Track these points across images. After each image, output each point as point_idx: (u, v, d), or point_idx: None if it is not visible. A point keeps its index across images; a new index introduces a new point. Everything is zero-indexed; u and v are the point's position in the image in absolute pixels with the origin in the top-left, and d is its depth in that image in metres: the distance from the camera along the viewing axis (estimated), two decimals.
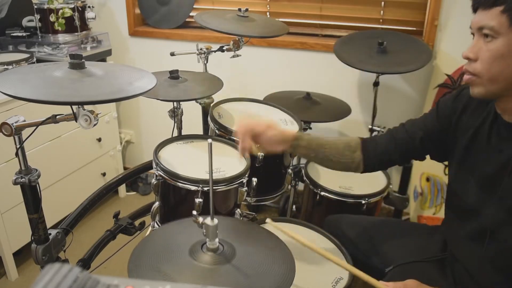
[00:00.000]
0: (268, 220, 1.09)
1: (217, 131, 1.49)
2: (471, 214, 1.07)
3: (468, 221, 1.08)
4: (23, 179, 1.13)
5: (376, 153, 1.18)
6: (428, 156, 1.21)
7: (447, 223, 1.22)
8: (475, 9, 0.94)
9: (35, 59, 2.01)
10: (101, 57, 2.32)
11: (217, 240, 0.89)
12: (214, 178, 1.04)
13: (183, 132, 1.67)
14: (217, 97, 1.65)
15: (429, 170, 2.07)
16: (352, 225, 1.40)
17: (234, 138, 1.36)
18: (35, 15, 2.14)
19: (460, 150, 1.09)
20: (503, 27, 0.87)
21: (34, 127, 1.08)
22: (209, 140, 0.79)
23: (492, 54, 0.90)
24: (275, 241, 1.00)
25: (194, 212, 0.91)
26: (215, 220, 0.87)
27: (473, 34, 0.95)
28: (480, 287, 1.04)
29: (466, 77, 0.97)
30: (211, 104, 1.63)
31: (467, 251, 1.09)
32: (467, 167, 1.08)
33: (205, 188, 1.21)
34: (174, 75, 1.53)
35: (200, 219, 0.89)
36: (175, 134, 1.64)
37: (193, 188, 1.22)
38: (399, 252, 1.27)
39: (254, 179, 1.36)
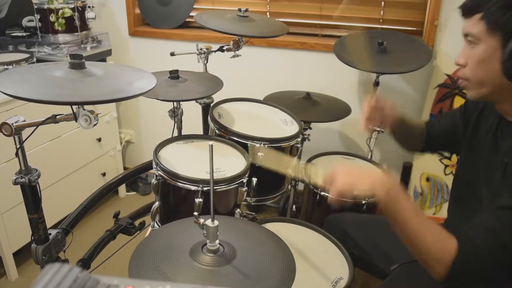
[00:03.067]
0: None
1: (217, 131, 1.48)
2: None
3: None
4: (23, 179, 1.12)
5: (435, 139, 1.32)
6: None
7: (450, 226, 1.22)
8: (463, 16, 0.98)
9: (35, 59, 2.01)
10: (101, 57, 2.32)
11: (217, 241, 0.89)
12: (214, 178, 1.04)
13: (183, 132, 1.67)
14: (217, 97, 1.65)
15: (429, 170, 2.07)
16: (353, 224, 1.40)
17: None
18: (35, 15, 2.14)
19: (476, 146, 1.11)
20: (482, 33, 0.91)
21: (34, 127, 1.08)
22: (210, 143, 0.79)
23: (476, 59, 0.94)
24: (275, 242, 1.00)
25: (195, 213, 0.92)
26: (216, 222, 0.87)
27: None
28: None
29: (459, 82, 1.02)
30: (211, 104, 1.63)
31: None
32: (473, 165, 1.11)
33: (205, 188, 1.21)
34: (174, 75, 1.53)
35: (201, 220, 0.89)
36: (175, 134, 1.64)
37: (193, 188, 1.22)
38: (401, 250, 1.27)
39: (254, 179, 1.36)
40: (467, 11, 0.95)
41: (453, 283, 0.90)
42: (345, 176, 0.94)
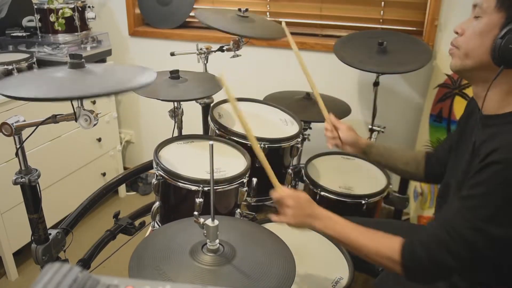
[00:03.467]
0: None
1: (217, 131, 1.49)
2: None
3: None
4: (23, 179, 1.12)
5: (433, 167, 1.31)
6: None
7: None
8: None
9: (35, 59, 2.01)
10: (101, 57, 2.32)
11: (217, 241, 0.89)
12: (214, 178, 1.04)
13: (183, 132, 1.67)
14: (217, 97, 1.65)
15: None
16: None
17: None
18: (35, 15, 2.14)
19: (459, 147, 1.12)
20: (489, 8, 0.93)
21: (34, 127, 1.08)
22: (211, 142, 0.79)
23: (473, 30, 0.96)
24: (275, 242, 1.00)
25: (196, 213, 0.92)
26: (216, 221, 0.87)
27: None
28: (473, 285, 1.05)
29: (450, 48, 1.05)
30: (211, 104, 1.63)
31: None
32: (453, 164, 1.12)
33: (206, 188, 1.21)
34: (174, 75, 1.53)
35: (201, 219, 0.89)
36: (175, 134, 1.64)
37: (193, 188, 1.22)
38: None
39: (254, 179, 1.36)
40: None
41: (414, 276, 0.97)
42: (293, 217, 1.07)
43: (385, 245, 0.98)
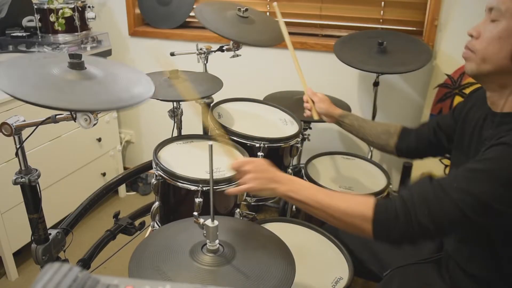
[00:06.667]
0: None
1: (217, 130, 1.48)
2: None
3: None
4: (23, 179, 1.12)
5: (407, 142, 1.34)
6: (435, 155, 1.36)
7: None
8: None
9: None
10: (101, 57, 2.32)
11: (217, 241, 0.89)
12: (214, 178, 1.04)
13: (183, 132, 1.67)
14: (217, 97, 1.65)
15: (429, 170, 2.07)
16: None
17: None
18: (35, 15, 2.14)
19: (463, 144, 1.11)
20: (509, 10, 0.90)
21: (34, 127, 1.08)
22: (210, 142, 0.79)
23: (491, 35, 0.93)
24: (275, 242, 1.01)
25: (195, 213, 0.92)
26: (216, 222, 0.87)
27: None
28: (476, 283, 1.04)
29: (464, 51, 1.01)
30: (211, 104, 1.63)
31: (455, 245, 1.10)
32: (463, 159, 1.11)
33: (205, 188, 1.21)
34: (174, 75, 1.53)
35: (201, 220, 0.89)
36: (175, 134, 1.64)
37: (193, 188, 1.22)
38: (395, 255, 1.28)
39: None
40: None
41: (381, 232, 0.91)
42: (254, 181, 1.00)
43: (358, 202, 0.93)
